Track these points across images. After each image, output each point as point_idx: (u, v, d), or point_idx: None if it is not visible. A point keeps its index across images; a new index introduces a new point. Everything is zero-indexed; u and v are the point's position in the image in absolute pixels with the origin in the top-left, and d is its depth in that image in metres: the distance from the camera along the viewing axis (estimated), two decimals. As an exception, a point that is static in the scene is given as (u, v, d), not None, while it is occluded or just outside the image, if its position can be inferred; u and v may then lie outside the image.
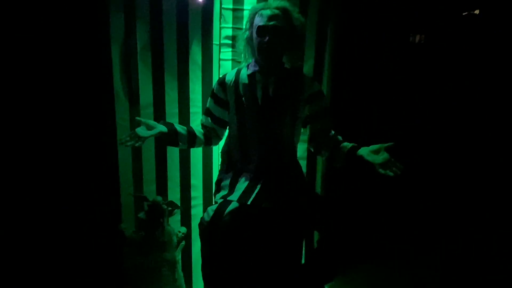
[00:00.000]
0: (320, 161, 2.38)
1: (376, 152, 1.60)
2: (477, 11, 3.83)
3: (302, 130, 1.96)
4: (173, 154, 2.16)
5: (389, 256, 2.86)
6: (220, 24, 2.10)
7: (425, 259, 2.80)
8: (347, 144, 1.76)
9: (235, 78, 1.83)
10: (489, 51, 3.73)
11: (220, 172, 1.97)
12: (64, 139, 2.21)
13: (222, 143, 2.01)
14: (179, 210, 2.15)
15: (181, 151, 2.17)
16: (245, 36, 1.82)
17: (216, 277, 1.72)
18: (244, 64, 1.88)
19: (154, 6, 1.99)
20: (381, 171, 1.56)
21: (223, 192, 1.80)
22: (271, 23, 1.68)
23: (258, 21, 1.71)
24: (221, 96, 1.86)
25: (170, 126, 1.80)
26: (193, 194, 2.23)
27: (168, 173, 2.17)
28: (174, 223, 2.16)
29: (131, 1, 1.96)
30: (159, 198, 2.03)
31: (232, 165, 1.90)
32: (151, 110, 2.09)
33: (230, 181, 1.83)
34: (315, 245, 2.36)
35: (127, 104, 2.06)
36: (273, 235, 1.74)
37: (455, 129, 3.88)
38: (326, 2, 2.16)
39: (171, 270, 2.03)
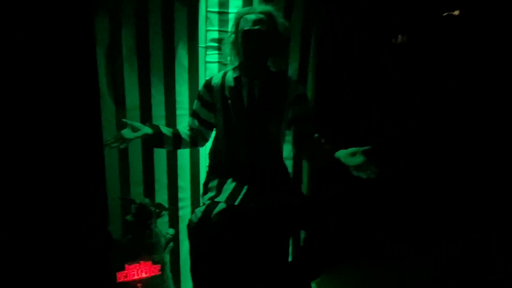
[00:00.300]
0: (306, 161, 2.42)
1: (353, 154, 1.60)
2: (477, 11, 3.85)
3: (287, 131, 2.00)
4: (160, 156, 2.17)
5: (389, 255, 2.87)
6: (206, 27, 2.12)
7: (425, 259, 2.82)
8: (327, 147, 1.77)
9: (221, 81, 1.86)
10: (489, 51, 3.74)
11: (208, 173, 1.99)
12: (50, 142, 2.19)
13: (209, 144, 2.03)
14: (167, 211, 2.15)
15: (168, 153, 2.18)
16: (231, 39, 1.85)
17: (205, 277, 1.73)
18: (230, 67, 1.91)
19: (139, 9, 2.00)
20: (355, 173, 1.57)
21: (210, 194, 1.81)
22: (256, 27, 1.72)
23: (243, 25, 1.74)
24: (207, 98, 1.88)
25: (156, 128, 1.82)
26: (180, 195, 2.24)
27: (155, 175, 2.18)
28: (162, 225, 2.16)
29: (117, 4, 1.96)
30: (147, 200, 2.04)
31: (219, 167, 1.92)
32: (137, 112, 2.10)
33: (217, 182, 1.84)
34: (301, 243, 2.41)
35: (113, 107, 2.06)
36: (260, 234, 1.77)
37: (455, 129, 3.87)
38: (310, 7, 2.21)
39: (160, 271, 2.03)
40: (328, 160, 1.70)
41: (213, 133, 2.00)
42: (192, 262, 1.78)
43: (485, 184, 3.61)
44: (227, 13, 2.12)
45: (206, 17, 2.11)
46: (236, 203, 1.71)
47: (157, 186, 2.19)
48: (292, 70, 2.27)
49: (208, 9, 2.10)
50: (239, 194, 1.75)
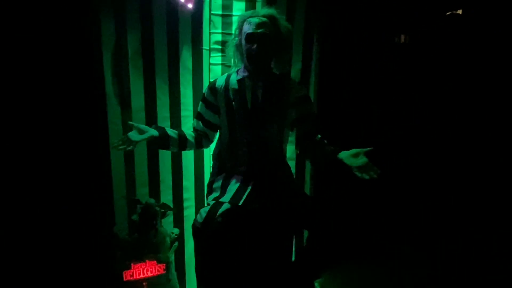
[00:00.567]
0: (308, 162, 2.45)
1: (355, 156, 1.64)
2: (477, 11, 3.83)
3: (290, 132, 2.02)
4: (165, 157, 2.19)
5: (389, 255, 2.88)
6: (209, 29, 2.15)
7: (425, 259, 2.83)
8: (330, 148, 1.81)
9: (225, 83, 1.89)
10: (489, 51, 3.75)
11: (212, 174, 2.01)
12: (57, 144, 2.21)
13: (213, 146, 2.06)
14: (171, 211, 2.17)
15: (173, 154, 2.21)
16: (235, 42, 1.87)
17: (210, 276, 1.76)
18: (233, 70, 1.93)
19: (144, 13, 2.03)
20: (358, 174, 1.60)
21: (215, 194, 1.84)
22: (259, 30, 1.75)
23: (247, 28, 1.77)
24: (212, 100, 1.91)
25: (162, 130, 1.84)
26: (185, 195, 2.27)
27: (160, 176, 2.21)
28: (167, 224, 2.19)
29: (122, 8, 1.99)
30: (152, 201, 2.06)
31: (223, 168, 1.94)
32: (143, 114, 2.12)
33: (222, 183, 1.87)
34: (305, 243, 2.43)
35: (119, 109, 2.08)
36: (264, 234, 1.79)
37: (455, 129, 3.89)
38: (311, 9, 2.24)
39: (165, 270, 2.06)
40: (331, 161, 1.73)
41: (217, 135, 2.03)
42: (197, 261, 1.81)
43: (485, 184, 3.62)
44: (231, 15, 2.14)
45: (210, 20, 2.13)
46: (240, 203, 1.74)
47: (162, 187, 2.22)
48: (295, 71, 2.30)
49: (212, 12, 2.12)
50: (243, 195, 1.77)
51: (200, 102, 1.96)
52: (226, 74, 1.95)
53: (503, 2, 3.58)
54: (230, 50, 1.91)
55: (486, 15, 3.75)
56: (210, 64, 2.19)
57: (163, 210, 2.10)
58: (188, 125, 2.17)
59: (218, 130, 1.99)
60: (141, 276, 1.98)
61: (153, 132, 1.79)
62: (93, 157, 2.21)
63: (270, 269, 1.83)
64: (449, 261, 2.80)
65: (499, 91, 3.74)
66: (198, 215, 1.74)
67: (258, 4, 2.13)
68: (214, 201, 1.77)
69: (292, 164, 2.26)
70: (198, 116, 1.98)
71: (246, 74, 1.86)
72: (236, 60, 1.91)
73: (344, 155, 1.68)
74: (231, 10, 2.14)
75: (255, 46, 1.76)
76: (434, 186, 3.73)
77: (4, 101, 2.13)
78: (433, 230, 3.24)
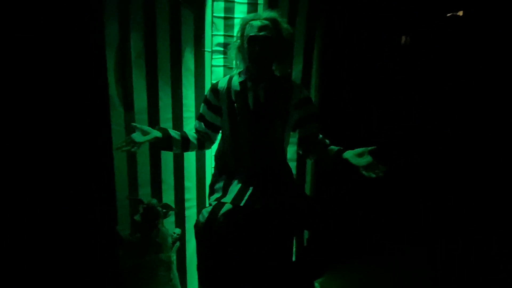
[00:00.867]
0: (309, 162, 2.46)
1: (360, 155, 1.68)
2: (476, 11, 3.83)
3: (291, 133, 2.04)
4: (167, 157, 2.21)
5: (388, 255, 2.89)
6: (212, 31, 2.17)
7: (425, 259, 2.83)
8: (334, 148, 1.85)
9: (227, 85, 1.91)
10: (489, 52, 3.73)
11: (214, 175, 2.03)
12: (60, 144, 2.22)
13: (215, 147, 2.07)
14: (173, 212, 2.19)
15: (175, 155, 2.23)
16: (236, 44, 1.89)
17: (211, 276, 1.78)
18: (236, 71, 1.95)
19: (147, 15, 2.05)
20: (364, 173, 1.64)
21: (217, 195, 1.86)
22: (262, 33, 1.77)
23: (249, 31, 1.79)
24: (214, 102, 1.93)
25: (165, 131, 1.86)
26: (187, 196, 2.29)
27: (162, 176, 2.22)
28: (169, 224, 2.20)
29: (126, 10, 2.01)
30: (154, 201, 2.08)
31: (225, 169, 1.96)
32: (145, 115, 2.14)
33: (224, 184, 1.89)
34: (305, 243, 2.45)
35: (121, 110, 2.10)
36: (265, 234, 1.81)
37: (455, 129, 3.87)
38: (313, 12, 2.26)
39: (166, 270, 2.07)
40: (336, 161, 1.77)
41: (219, 136, 2.05)
42: (199, 261, 1.83)
43: (485, 184, 3.61)
44: (233, 18, 2.16)
45: (212, 22, 2.15)
46: (242, 204, 1.75)
47: (164, 187, 2.24)
48: (296, 73, 2.32)
49: (214, 14, 2.14)
50: (244, 195, 1.79)
51: (202, 104, 1.98)
52: (228, 76, 1.97)
53: (503, 4, 3.59)
54: (232, 52, 1.93)
55: (487, 16, 3.76)
56: (212, 66, 2.21)
57: (165, 210, 2.12)
58: (190, 126, 2.19)
59: (220, 132, 2.01)
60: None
61: (156, 133, 1.81)
62: (96, 157, 2.22)
63: (271, 269, 1.85)
64: (449, 261, 2.80)
65: (499, 92, 3.74)
66: (200, 215, 1.75)
67: (260, 7, 2.15)
68: (216, 202, 1.79)
69: (293, 165, 2.29)
70: (200, 117, 1.99)
71: (248, 76, 1.88)
72: (238, 62, 1.93)
73: (349, 154, 1.72)
74: (233, 12, 2.16)
75: (257, 48, 1.78)
76: (434, 186, 3.72)
77: (6, 102, 2.14)
78: (433, 230, 3.24)
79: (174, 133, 1.89)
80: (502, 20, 3.65)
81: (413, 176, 3.75)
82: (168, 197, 2.24)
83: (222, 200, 1.78)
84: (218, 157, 2.03)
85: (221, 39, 2.18)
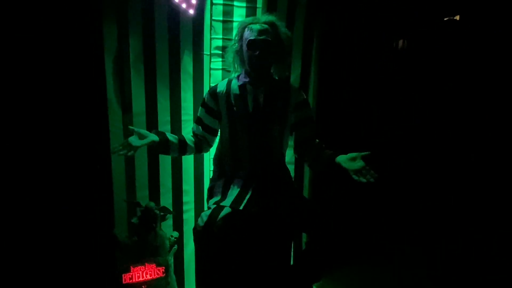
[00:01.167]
0: (307, 165, 2.47)
1: (353, 159, 1.68)
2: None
3: (289, 137, 2.04)
4: (165, 160, 2.21)
5: (388, 255, 2.90)
6: (210, 35, 2.17)
7: (425, 259, 2.84)
8: (328, 152, 1.85)
9: (226, 88, 1.90)
10: (488, 51, 3.73)
11: (212, 179, 2.03)
12: (59, 146, 2.23)
13: (213, 150, 2.07)
14: (171, 215, 2.19)
15: (173, 158, 2.22)
16: (234, 48, 1.89)
17: (210, 279, 1.78)
18: (234, 75, 1.95)
19: (146, 18, 2.04)
20: (355, 177, 1.63)
21: (215, 198, 1.86)
22: (262, 37, 1.77)
23: (249, 35, 1.79)
24: (212, 106, 1.93)
25: (162, 135, 1.85)
26: (185, 199, 2.29)
27: (160, 179, 2.22)
28: (167, 227, 2.20)
29: (124, 13, 2.00)
30: (152, 204, 2.07)
31: (224, 172, 1.96)
32: (143, 118, 2.13)
33: (222, 187, 1.89)
34: (303, 246, 2.45)
35: (120, 112, 2.09)
36: (264, 238, 1.82)
37: (455, 129, 3.88)
38: (311, 15, 2.26)
39: (164, 273, 2.08)
40: (330, 165, 1.77)
41: (217, 139, 2.04)
42: (197, 264, 1.83)
43: (485, 184, 3.61)
44: (231, 21, 2.16)
45: (211, 26, 2.15)
46: (241, 207, 1.76)
47: (162, 190, 2.23)
48: (294, 76, 2.32)
49: (213, 18, 2.14)
50: (243, 199, 1.79)
51: (200, 107, 1.97)
52: (226, 79, 1.97)
53: (499, 8, 3.60)
54: (230, 56, 1.93)
55: (484, 19, 3.76)
56: (210, 69, 2.21)
57: (162, 213, 2.11)
58: (189, 129, 2.19)
59: (218, 135, 2.01)
60: (140, 279, 2.00)
61: (154, 137, 1.80)
62: (93, 159, 2.22)
63: (269, 273, 1.85)
64: (449, 261, 2.81)
65: (497, 92, 3.74)
66: (199, 218, 1.75)
67: (259, 11, 2.15)
68: (215, 205, 1.79)
69: (291, 168, 2.29)
70: (197, 121, 1.99)
71: (247, 79, 1.88)
72: (235, 66, 1.93)
73: (341, 158, 1.72)
74: (232, 16, 2.16)
75: (257, 52, 1.77)
76: (434, 186, 3.73)
77: (5, 103, 2.15)
78: (433, 230, 3.25)
79: (172, 137, 1.88)
80: (498, 22, 3.66)
81: (413, 176, 3.75)
82: (166, 200, 2.24)
83: (221, 204, 1.78)
84: (216, 160, 2.03)
85: (219, 43, 2.18)
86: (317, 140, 1.95)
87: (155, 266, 2.03)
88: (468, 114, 3.88)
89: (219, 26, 2.16)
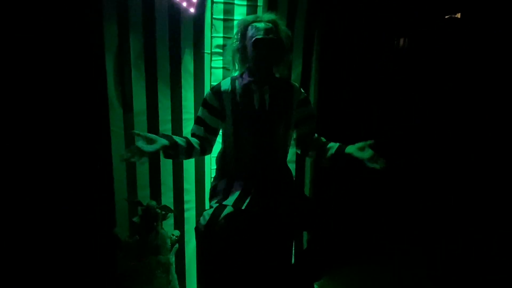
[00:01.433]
0: (308, 164, 2.47)
1: (362, 149, 1.72)
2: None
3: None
4: (166, 159, 2.19)
5: (388, 255, 2.90)
6: (211, 33, 2.16)
7: (425, 259, 2.84)
8: (334, 144, 1.86)
9: (231, 87, 1.87)
10: (488, 51, 3.75)
11: (215, 178, 2.02)
12: (59, 146, 2.23)
13: (215, 149, 2.06)
14: (172, 214, 2.19)
15: (175, 158, 2.22)
16: (235, 46, 1.88)
17: (211, 279, 1.78)
18: (236, 73, 1.94)
19: (147, 16, 2.04)
20: (370, 165, 1.67)
21: (218, 197, 1.85)
22: (269, 36, 1.76)
23: (255, 33, 1.77)
24: (216, 105, 1.88)
25: (170, 138, 1.73)
26: (186, 198, 2.28)
27: (161, 178, 2.21)
28: (168, 226, 2.20)
29: (125, 11, 2.00)
30: (153, 203, 2.07)
31: (227, 171, 1.95)
32: (144, 117, 2.13)
33: (225, 186, 1.88)
34: (305, 245, 2.45)
35: (121, 112, 2.09)
36: (266, 238, 1.81)
37: (455, 129, 3.91)
38: (312, 14, 2.26)
39: (165, 272, 2.07)
40: (338, 156, 1.80)
41: (216, 140, 2.02)
42: (199, 263, 1.83)
43: (485, 184, 3.63)
44: (232, 20, 2.16)
45: (212, 24, 2.15)
46: (243, 207, 1.75)
47: (163, 189, 2.23)
48: (295, 75, 2.32)
49: (214, 16, 2.14)
50: (246, 198, 1.79)
51: (202, 108, 1.91)
52: (229, 79, 1.94)
53: (500, 6, 3.61)
54: (228, 54, 1.92)
55: (484, 18, 3.77)
56: (211, 67, 2.21)
57: (164, 212, 2.11)
58: (189, 128, 2.18)
59: (219, 135, 2.00)
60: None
61: (163, 141, 1.66)
62: (94, 159, 2.22)
63: (270, 272, 1.85)
64: (449, 261, 2.81)
65: (497, 92, 3.76)
66: (202, 217, 1.75)
67: (259, 9, 2.16)
68: (217, 204, 1.78)
69: (292, 166, 2.29)
70: (199, 121, 1.92)
71: (251, 78, 1.86)
72: (236, 64, 1.92)
73: (352, 149, 1.75)
74: (232, 14, 2.16)
75: (265, 51, 1.77)
76: (434, 186, 3.74)
77: (5, 103, 2.15)
78: (433, 230, 3.25)
79: (180, 140, 1.77)
80: (499, 20, 3.67)
81: (413, 176, 3.76)
82: (167, 199, 2.23)
83: (223, 203, 1.78)
84: (219, 159, 2.01)
85: (220, 41, 2.18)
86: (316, 135, 1.98)
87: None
88: (468, 114, 3.89)
89: (219, 25, 2.16)
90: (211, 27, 2.15)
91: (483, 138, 3.82)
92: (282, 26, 1.85)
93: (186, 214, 2.29)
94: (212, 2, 2.12)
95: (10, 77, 2.14)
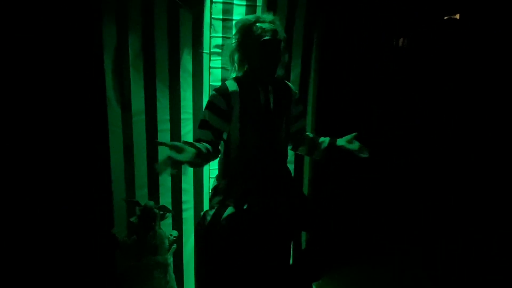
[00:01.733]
0: (307, 164, 2.47)
1: (350, 142, 1.88)
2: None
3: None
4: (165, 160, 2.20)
5: (388, 255, 2.91)
6: (210, 33, 2.15)
7: (425, 259, 2.85)
8: (325, 138, 1.96)
9: (238, 88, 1.82)
10: (488, 51, 3.77)
11: (217, 178, 2.00)
12: (57, 145, 2.23)
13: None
14: (170, 214, 2.18)
15: (171, 156, 2.21)
16: (234, 46, 1.85)
17: (212, 278, 1.77)
18: (238, 74, 1.90)
19: (146, 16, 2.03)
20: (360, 155, 1.85)
21: (219, 198, 1.83)
22: (277, 37, 1.77)
23: (262, 34, 1.75)
24: (223, 106, 1.80)
25: (194, 145, 1.59)
26: (184, 198, 2.28)
27: (159, 178, 2.21)
28: (166, 226, 2.19)
29: (124, 11, 1.99)
30: (151, 203, 2.07)
31: (228, 172, 1.93)
32: (143, 116, 2.12)
33: (227, 186, 1.86)
34: (303, 245, 2.45)
35: (119, 111, 2.08)
36: (266, 238, 1.81)
37: (455, 129, 3.93)
38: (311, 14, 2.25)
39: (163, 272, 2.07)
40: (330, 149, 1.91)
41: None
42: (199, 263, 1.82)
43: (485, 184, 3.64)
44: (231, 20, 2.15)
45: (211, 24, 2.14)
46: (245, 207, 1.75)
47: (161, 189, 2.22)
48: (294, 75, 2.32)
49: (213, 16, 2.13)
50: (247, 198, 1.78)
51: (207, 111, 1.80)
52: (231, 79, 1.88)
53: (499, 6, 3.61)
54: (226, 54, 1.90)
55: (483, 19, 3.78)
56: (210, 67, 2.20)
57: (162, 212, 2.11)
58: (188, 128, 2.19)
59: (224, 137, 1.97)
60: None
61: (192, 149, 1.53)
62: (92, 158, 2.22)
63: (270, 272, 1.85)
64: (449, 261, 2.82)
65: (497, 92, 3.76)
66: (203, 217, 1.75)
67: (259, 9, 2.15)
68: (218, 204, 1.78)
69: (291, 167, 2.28)
70: (204, 125, 1.80)
71: (256, 78, 1.85)
72: (236, 64, 1.89)
73: (342, 142, 1.89)
74: (231, 14, 2.15)
75: (273, 52, 1.77)
76: (434, 186, 3.75)
77: (4, 102, 2.15)
78: (433, 230, 3.26)
79: (200, 146, 1.65)
80: (499, 21, 3.67)
81: (413, 176, 3.76)
82: (165, 199, 2.23)
83: (225, 203, 1.77)
84: (221, 160, 1.99)
85: (219, 41, 2.17)
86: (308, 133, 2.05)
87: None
88: (468, 114, 3.90)
89: (218, 25, 2.15)
90: (210, 27, 2.14)
91: (483, 138, 3.83)
92: (281, 27, 1.85)
93: (184, 214, 2.29)
94: (211, 2, 2.11)
95: (9, 77, 2.14)
